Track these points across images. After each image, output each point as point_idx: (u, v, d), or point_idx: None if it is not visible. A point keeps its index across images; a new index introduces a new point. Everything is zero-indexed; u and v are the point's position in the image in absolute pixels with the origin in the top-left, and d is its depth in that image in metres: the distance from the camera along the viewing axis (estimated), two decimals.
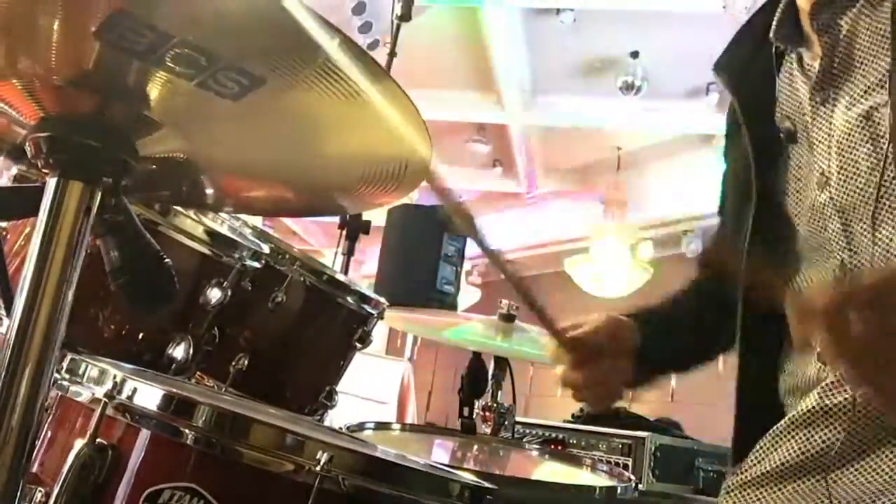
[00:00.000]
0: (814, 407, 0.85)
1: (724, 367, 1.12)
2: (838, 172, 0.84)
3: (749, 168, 0.95)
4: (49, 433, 0.88)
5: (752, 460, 0.91)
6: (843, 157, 0.83)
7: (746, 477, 0.90)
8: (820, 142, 0.88)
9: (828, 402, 0.84)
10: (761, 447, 0.90)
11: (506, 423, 1.89)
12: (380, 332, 2.49)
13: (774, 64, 0.97)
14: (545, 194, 6.97)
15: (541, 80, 5.36)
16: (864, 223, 0.81)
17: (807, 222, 0.90)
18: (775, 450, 0.88)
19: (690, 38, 4.55)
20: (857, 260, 0.83)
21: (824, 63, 0.88)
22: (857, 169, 0.82)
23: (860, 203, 0.81)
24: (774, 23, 0.95)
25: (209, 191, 0.88)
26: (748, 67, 1.00)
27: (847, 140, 0.83)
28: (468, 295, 6.97)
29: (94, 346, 1.14)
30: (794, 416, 0.87)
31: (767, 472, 0.88)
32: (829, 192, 0.85)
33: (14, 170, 1.19)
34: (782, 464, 0.86)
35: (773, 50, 0.97)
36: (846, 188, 0.83)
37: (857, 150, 0.82)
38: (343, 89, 0.63)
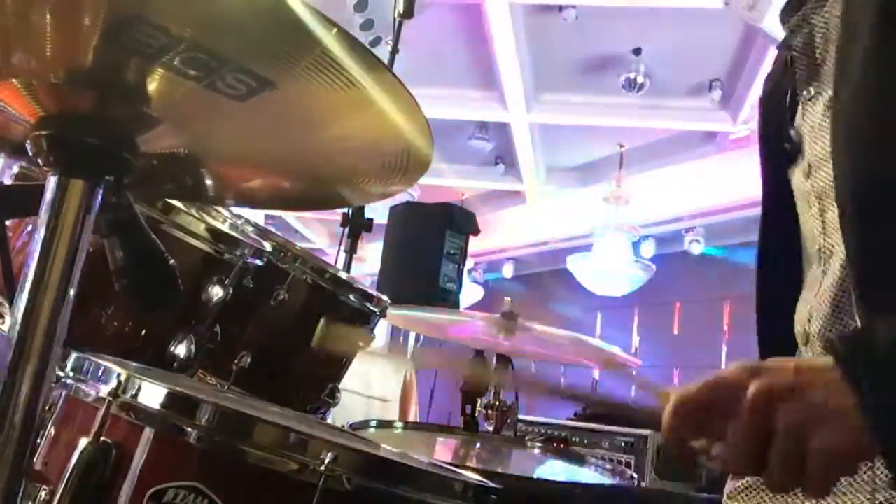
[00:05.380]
0: None
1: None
2: (816, 161, 0.87)
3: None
4: (53, 431, 0.88)
5: None
6: (817, 145, 0.87)
7: (748, 482, 0.90)
8: (806, 133, 0.91)
9: None
10: None
11: (508, 421, 1.89)
12: (382, 330, 2.48)
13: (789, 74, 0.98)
14: (547, 192, 6.96)
15: (543, 78, 5.35)
16: (834, 209, 0.83)
17: (802, 212, 0.93)
18: None
19: (693, 35, 4.54)
20: (829, 244, 0.85)
21: (804, 60, 0.91)
22: (826, 156, 0.84)
23: (830, 188, 0.84)
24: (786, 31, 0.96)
25: (210, 184, 0.88)
26: (774, 90, 1.01)
27: (820, 129, 0.86)
28: (470, 293, 6.97)
29: (97, 345, 1.13)
30: None
31: None
32: (812, 181, 0.88)
33: (15, 168, 1.19)
34: None
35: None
36: (821, 175, 0.86)
37: (827, 137, 0.84)
38: (343, 81, 0.63)
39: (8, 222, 1.22)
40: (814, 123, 0.88)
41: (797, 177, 0.92)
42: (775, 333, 0.96)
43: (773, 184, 0.98)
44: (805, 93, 0.91)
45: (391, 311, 1.68)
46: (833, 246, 0.84)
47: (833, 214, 0.83)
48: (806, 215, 0.91)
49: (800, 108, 0.92)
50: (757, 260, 1.00)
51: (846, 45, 0.81)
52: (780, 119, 0.96)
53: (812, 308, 0.86)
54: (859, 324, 0.75)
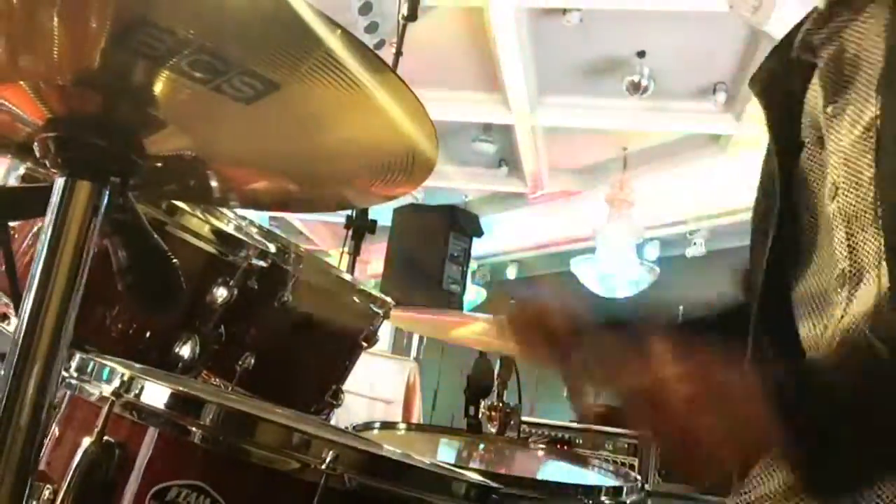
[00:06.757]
0: None
1: None
2: (845, 183, 0.85)
3: (774, 181, 0.96)
4: (57, 431, 0.88)
5: (750, 486, 0.91)
6: (849, 167, 0.84)
7: (748, 499, 0.90)
8: (832, 153, 0.88)
9: None
10: (757, 475, 0.90)
11: (511, 422, 1.89)
12: (386, 332, 2.48)
13: (803, 77, 0.96)
14: (551, 194, 6.96)
15: (547, 80, 5.35)
16: (866, 233, 0.82)
17: (825, 232, 0.91)
18: (771, 477, 0.88)
19: (697, 37, 4.54)
20: (855, 269, 0.84)
21: (833, 75, 0.88)
22: (860, 180, 0.83)
23: (862, 213, 0.82)
24: (800, 35, 0.95)
25: (215, 185, 0.89)
26: (778, 82, 1.00)
27: (852, 151, 0.84)
28: (474, 294, 6.97)
29: (101, 345, 1.14)
30: None
31: (767, 494, 0.88)
32: (838, 203, 0.86)
33: (21, 169, 1.20)
34: (778, 487, 0.86)
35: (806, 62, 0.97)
36: (850, 198, 0.84)
37: (861, 161, 0.82)
38: (347, 84, 0.64)
39: (14, 224, 1.23)
40: (841, 146, 0.86)
41: (822, 197, 0.90)
42: (775, 333, 0.95)
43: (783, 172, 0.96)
44: (829, 109, 0.89)
45: (395, 313, 1.68)
46: (861, 272, 0.82)
47: (865, 239, 0.82)
48: (826, 236, 0.89)
49: (822, 121, 0.91)
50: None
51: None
52: (789, 120, 0.96)
53: (834, 334, 0.84)
54: None
